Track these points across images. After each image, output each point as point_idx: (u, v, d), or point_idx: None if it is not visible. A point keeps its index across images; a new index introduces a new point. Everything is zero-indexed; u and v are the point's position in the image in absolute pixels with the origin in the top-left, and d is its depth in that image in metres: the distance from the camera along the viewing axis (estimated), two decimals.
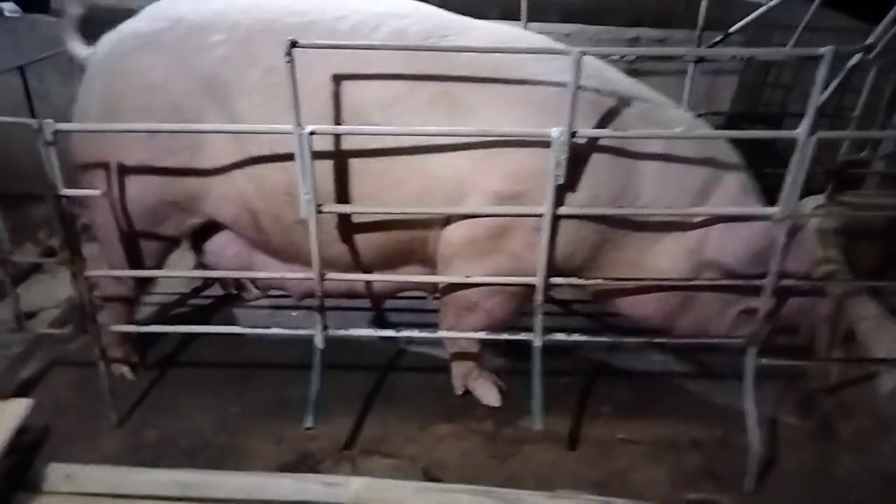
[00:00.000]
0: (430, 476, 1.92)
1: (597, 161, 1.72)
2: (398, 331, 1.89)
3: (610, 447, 2.05)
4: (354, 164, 1.73)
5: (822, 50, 1.46)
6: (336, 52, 1.66)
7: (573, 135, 1.54)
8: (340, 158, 1.72)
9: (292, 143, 1.52)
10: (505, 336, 1.89)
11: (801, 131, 1.54)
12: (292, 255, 1.95)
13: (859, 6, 3.09)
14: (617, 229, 1.79)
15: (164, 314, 2.62)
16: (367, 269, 1.96)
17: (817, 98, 1.49)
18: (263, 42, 1.69)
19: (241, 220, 1.90)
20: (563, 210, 1.66)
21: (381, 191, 1.75)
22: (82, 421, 2.03)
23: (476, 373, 2.19)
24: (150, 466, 1.87)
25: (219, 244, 2.06)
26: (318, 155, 1.60)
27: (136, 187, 1.85)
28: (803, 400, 2.26)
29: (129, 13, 1.90)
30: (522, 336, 1.86)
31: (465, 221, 1.77)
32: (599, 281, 1.87)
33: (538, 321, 1.81)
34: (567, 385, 2.28)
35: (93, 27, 1.98)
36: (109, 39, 1.87)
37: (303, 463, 1.95)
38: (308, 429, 1.77)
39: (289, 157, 1.57)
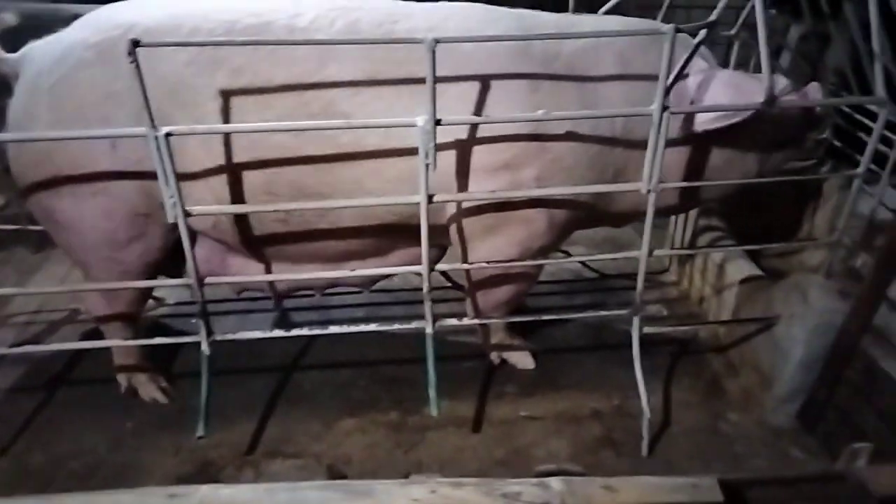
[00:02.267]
0: (335, 472, 1.91)
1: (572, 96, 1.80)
2: (288, 330, 1.87)
3: (513, 426, 2.09)
4: (333, 154, 1.73)
5: (664, 28, 1.52)
6: (298, 48, 1.69)
7: (438, 122, 1.55)
8: (319, 151, 1.73)
9: (263, 140, 1.67)
10: (396, 326, 1.90)
11: (654, 108, 1.60)
12: (273, 252, 1.96)
13: None
14: (609, 153, 1.86)
15: (51, 332, 2.50)
16: (354, 257, 2.01)
17: (665, 75, 1.55)
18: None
19: (220, 223, 1.85)
20: (438, 197, 1.68)
21: (363, 176, 1.76)
22: None
23: (510, 340, 2.33)
24: (36, 494, 1.81)
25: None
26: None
27: (103, 201, 1.76)
28: (694, 362, 2.37)
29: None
30: (414, 325, 1.87)
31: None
32: (483, 265, 1.89)
33: (428, 308, 1.82)
34: (471, 369, 2.31)
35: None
36: (47, 51, 1.75)
37: (203, 472, 1.91)
38: (200, 437, 1.73)
39: (267, 156, 1.70)
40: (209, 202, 1.79)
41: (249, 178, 1.76)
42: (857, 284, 1.89)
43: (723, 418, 2.14)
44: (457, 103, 1.73)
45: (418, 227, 1.70)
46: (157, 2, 1.83)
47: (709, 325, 2.50)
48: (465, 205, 1.85)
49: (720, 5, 1.73)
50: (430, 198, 1.65)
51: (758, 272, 2.35)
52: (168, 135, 1.48)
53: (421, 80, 1.50)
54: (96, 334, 2.35)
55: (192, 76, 1.68)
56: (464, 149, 1.77)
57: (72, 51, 1.71)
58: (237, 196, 1.79)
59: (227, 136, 1.71)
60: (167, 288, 2.55)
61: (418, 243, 1.83)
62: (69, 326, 2.50)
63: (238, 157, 1.73)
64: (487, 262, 1.91)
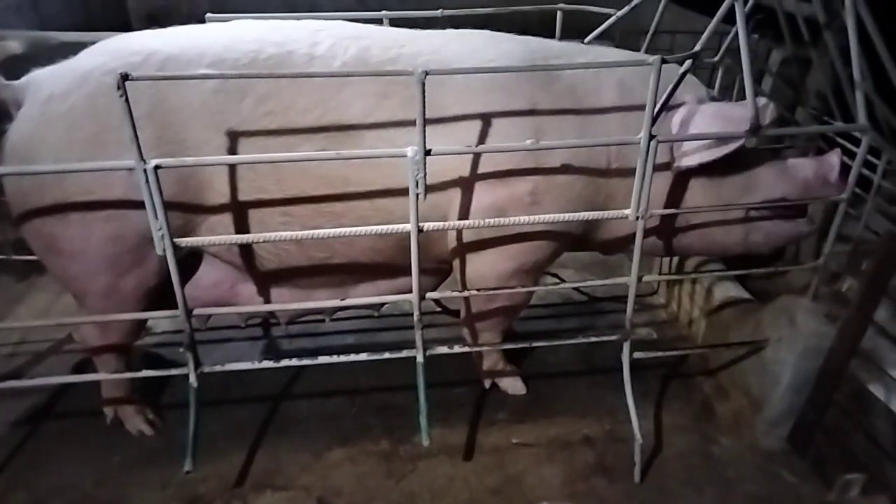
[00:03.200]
0: None
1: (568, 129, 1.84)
2: (277, 361, 1.85)
3: (505, 453, 2.08)
4: (350, 176, 1.77)
5: (650, 59, 1.54)
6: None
7: (428, 152, 1.56)
8: (334, 172, 1.77)
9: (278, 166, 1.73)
10: (387, 355, 1.88)
11: (641, 136, 1.62)
12: (285, 278, 1.98)
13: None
14: (614, 180, 1.90)
15: (35, 363, 2.45)
16: (366, 279, 2.06)
17: (651, 104, 1.57)
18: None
19: (233, 247, 1.88)
20: (427, 226, 1.68)
21: (376, 195, 1.79)
22: None
23: (502, 365, 2.32)
24: None
25: (196, 273, 1.99)
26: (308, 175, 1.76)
27: (114, 226, 1.74)
28: (685, 385, 2.37)
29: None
30: (405, 353, 1.86)
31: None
32: (474, 292, 1.90)
33: (419, 336, 1.82)
34: (462, 394, 2.30)
35: None
36: (60, 76, 1.73)
37: None
38: (188, 472, 1.70)
39: (284, 177, 1.74)
40: (227, 225, 1.81)
41: (267, 200, 1.78)
42: (843, 308, 1.91)
43: (714, 442, 2.13)
44: (459, 121, 1.78)
45: (426, 249, 1.79)
46: (173, 31, 1.85)
47: (700, 349, 2.50)
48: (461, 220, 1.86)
49: (705, 35, 1.77)
50: (420, 228, 1.66)
51: (745, 295, 2.37)
52: (157, 167, 1.48)
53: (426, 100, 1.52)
54: (83, 366, 2.33)
55: (222, 103, 1.71)
56: (463, 164, 1.80)
57: (90, 76, 1.70)
58: (255, 219, 1.81)
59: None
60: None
61: (428, 265, 1.90)
62: (54, 358, 2.46)
63: (258, 181, 1.76)
64: (478, 290, 1.91)
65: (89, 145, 1.66)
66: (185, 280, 1.94)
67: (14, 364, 2.44)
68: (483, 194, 1.83)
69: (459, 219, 1.87)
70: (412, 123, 1.68)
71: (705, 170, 1.85)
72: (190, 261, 1.96)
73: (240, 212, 1.80)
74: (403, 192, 1.72)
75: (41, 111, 1.70)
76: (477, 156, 1.80)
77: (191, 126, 1.69)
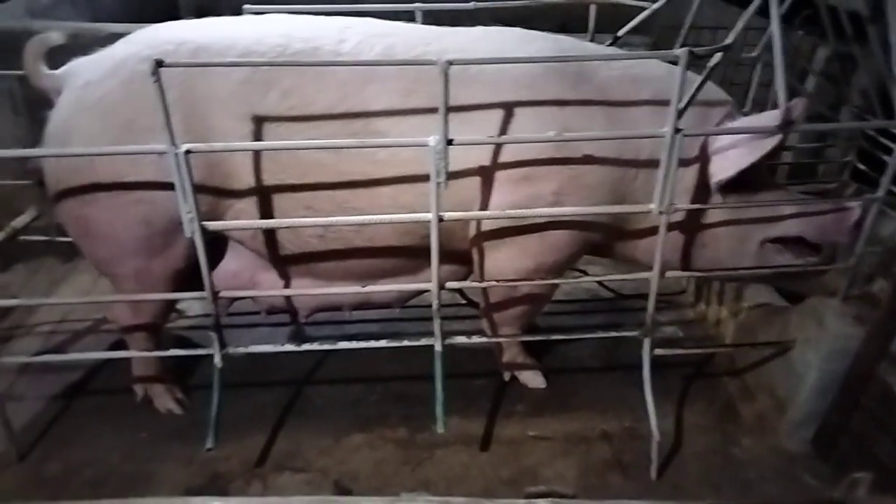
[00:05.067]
0: (340, 488, 1.92)
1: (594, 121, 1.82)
2: (299, 345, 1.89)
3: (521, 445, 2.08)
4: (372, 173, 1.80)
5: (677, 51, 1.52)
6: (341, 70, 1.78)
7: (450, 142, 1.57)
8: (356, 169, 1.80)
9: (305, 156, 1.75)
10: (406, 342, 1.91)
11: (667, 129, 1.60)
12: (305, 268, 2.02)
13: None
14: (632, 181, 1.89)
15: (74, 341, 2.55)
16: (388, 274, 2.06)
17: (678, 97, 1.56)
18: (279, 67, 1.77)
19: (258, 235, 1.93)
20: (448, 215, 1.69)
21: (398, 191, 1.82)
22: None
23: (522, 358, 2.32)
24: (49, 501, 1.85)
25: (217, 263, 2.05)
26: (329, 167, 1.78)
27: (143, 210, 1.81)
28: (709, 385, 2.33)
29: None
30: (423, 342, 1.88)
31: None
32: (493, 283, 1.91)
33: (437, 325, 1.84)
34: (482, 386, 2.31)
35: None
36: (96, 64, 1.81)
37: (212, 484, 1.93)
38: (209, 449, 1.76)
39: (308, 171, 1.77)
40: (252, 215, 1.85)
41: (291, 192, 1.82)
42: (874, 310, 1.85)
43: (736, 443, 2.10)
44: (487, 115, 1.79)
45: (448, 243, 1.80)
46: (206, 22, 1.91)
47: (724, 348, 2.46)
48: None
49: (735, 29, 1.73)
50: (440, 217, 1.68)
51: (776, 296, 2.32)
52: (188, 152, 1.53)
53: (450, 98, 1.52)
54: (118, 345, 2.41)
55: (247, 94, 1.75)
56: (487, 162, 1.81)
57: (125, 64, 1.77)
58: (279, 210, 1.85)
59: (272, 152, 1.78)
60: (190, 300, 2.59)
61: (451, 260, 1.91)
62: (92, 336, 2.56)
63: (280, 173, 1.80)
64: (497, 281, 1.92)
65: (122, 131, 1.72)
66: (209, 267, 2.02)
67: (54, 341, 2.55)
68: (507, 192, 1.84)
69: (478, 220, 1.88)
70: (435, 120, 1.71)
71: (730, 197, 1.86)
72: (213, 251, 2.01)
73: (264, 202, 1.84)
74: (427, 190, 1.75)
75: (77, 97, 1.77)
76: (502, 153, 1.80)
77: (217, 115, 1.74)
